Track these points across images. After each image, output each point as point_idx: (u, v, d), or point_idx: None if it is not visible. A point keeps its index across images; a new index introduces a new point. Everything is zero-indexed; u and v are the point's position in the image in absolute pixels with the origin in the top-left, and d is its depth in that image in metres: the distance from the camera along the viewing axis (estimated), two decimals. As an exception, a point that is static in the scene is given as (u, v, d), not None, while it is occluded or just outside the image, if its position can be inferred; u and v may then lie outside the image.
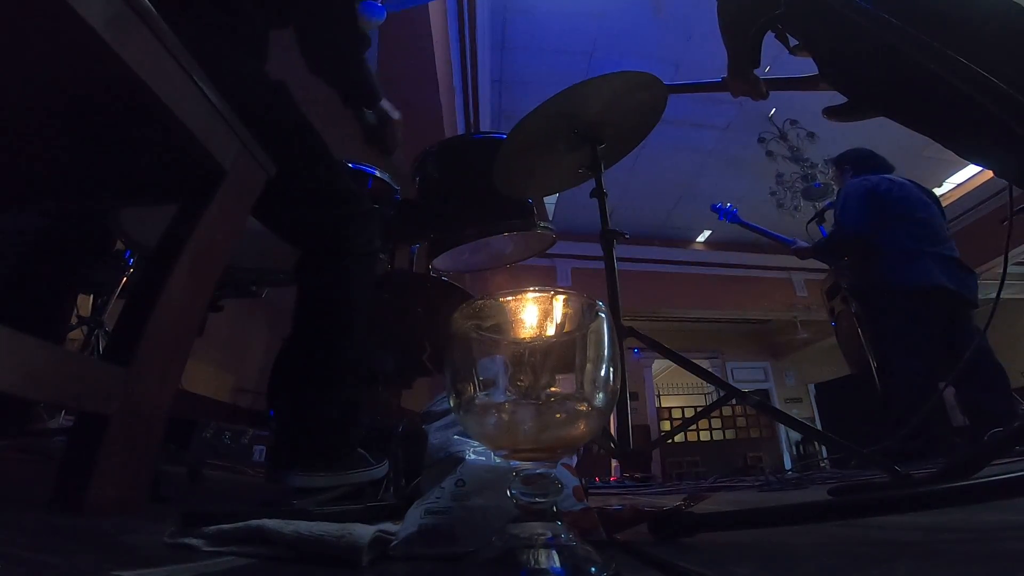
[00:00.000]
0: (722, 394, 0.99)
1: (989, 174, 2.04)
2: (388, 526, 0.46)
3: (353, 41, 0.97)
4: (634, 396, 7.30)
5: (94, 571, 0.33)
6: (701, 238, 7.51)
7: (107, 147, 0.68)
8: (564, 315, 0.35)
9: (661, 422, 7.86)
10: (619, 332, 1.01)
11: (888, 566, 0.35)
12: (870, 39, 0.71)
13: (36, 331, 0.45)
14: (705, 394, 8.76)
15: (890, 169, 2.40)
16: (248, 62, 0.89)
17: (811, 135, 5.13)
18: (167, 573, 0.34)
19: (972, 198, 5.69)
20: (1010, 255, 1.12)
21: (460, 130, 4.21)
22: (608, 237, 1.15)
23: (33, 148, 0.68)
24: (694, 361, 1.05)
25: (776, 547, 0.45)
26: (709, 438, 8.23)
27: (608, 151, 1.24)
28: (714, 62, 1.29)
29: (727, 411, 8.22)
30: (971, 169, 5.71)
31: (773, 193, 5.67)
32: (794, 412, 6.88)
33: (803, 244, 2.52)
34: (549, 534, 0.30)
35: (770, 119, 5.25)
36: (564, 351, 0.34)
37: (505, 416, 0.33)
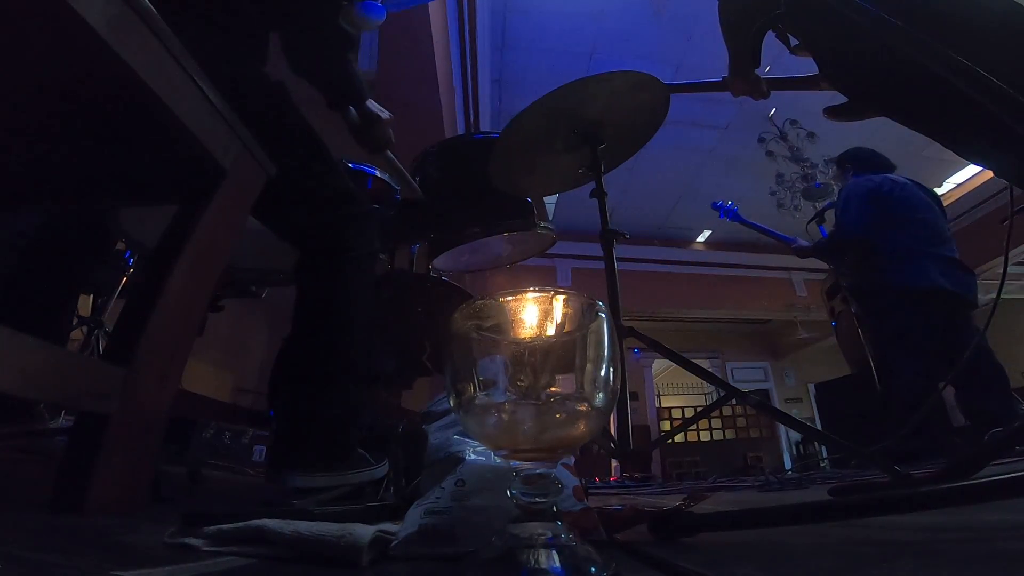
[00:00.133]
0: (722, 394, 0.99)
1: (989, 174, 2.04)
2: (388, 526, 0.46)
3: (336, 41, 0.94)
4: (634, 396, 7.30)
5: (94, 571, 0.33)
6: (701, 238, 7.51)
7: (107, 147, 0.68)
8: (564, 315, 0.35)
9: (661, 422, 7.86)
10: (619, 332, 1.01)
11: (888, 566, 0.35)
12: (870, 39, 0.71)
13: (37, 331, 0.45)
14: (705, 394, 8.75)
15: (892, 168, 2.40)
16: (248, 62, 0.89)
17: (811, 135, 5.13)
18: (167, 573, 0.34)
19: (972, 198, 5.68)
20: (1010, 255, 1.11)
21: (460, 130, 4.22)
22: (608, 237, 1.15)
23: (33, 148, 0.68)
24: (694, 361, 1.05)
25: (776, 547, 0.45)
26: (709, 438, 8.22)
27: (609, 152, 1.24)
28: (714, 62, 1.29)
29: (727, 411, 8.21)
30: (971, 169, 5.71)
31: (773, 193, 5.66)
32: (794, 412, 6.89)
33: (803, 243, 2.52)
34: (549, 534, 0.30)
35: (770, 119, 5.25)
36: (564, 351, 0.34)
37: (505, 416, 0.33)
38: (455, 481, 0.46)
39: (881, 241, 2.15)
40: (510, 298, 0.35)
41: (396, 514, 0.57)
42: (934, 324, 2.02)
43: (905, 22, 0.56)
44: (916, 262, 2.07)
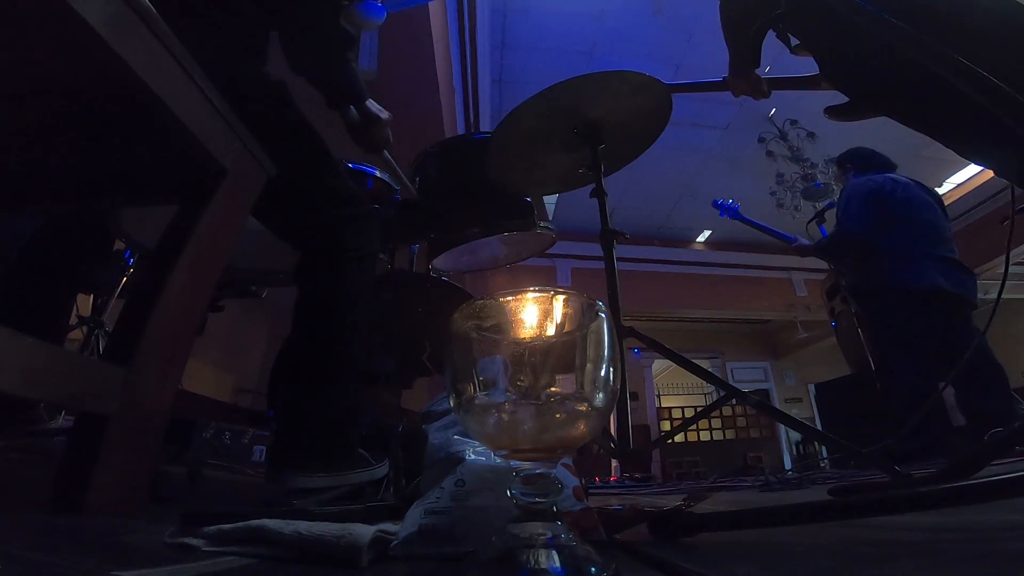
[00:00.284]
0: (722, 394, 0.99)
1: (989, 174, 2.04)
2: (388, 526, 0.46)
3: (335, 40, 0.94)
4: (634, 396, 7.30)
5: (94, 571, 0.33)
6: (701, 238, 7.51)
7: (107, 147, 0.68)
8: (564, 315, 0.35)
9: (661, 422, 7.86)
10: (619, 332, 1.01)
11: (888, 566, 0.35)
12: (870, 39, 0.71)
13: (36, 331, 0.45)
14: (705, 394, 8.75)
15: (893, 168, 2.39)
16: (248, 62, 0.89)
17: (811, 135, 5.13)
18: (167, 573, 0.34)
19: (972, 198, 5.68)
20: (1011, 255, 1.11)
21: (460, 130, 4.22)
22: (608, 237, 1.15)
23: (33, 148, 0.68)
24: (694, 361, 1.05)
25: (776, 547, 0.45)
26: (709, 438, 8.22)
27: (609, 154, 1.24)
28: (714, 62, 1.29)
29: (727, 411, 8.21)
30: (971, 169, 5.71)
31: (773, 193, 5.67)
32: (794, 412, 6.89)
33: (804, 242, 2.52)
34: (549, 534, 0.30)
35: (770, 119, 5.25)
36: (564, 351, 0.34)
37: (505, 416, 0.33)
38: (455, 481, 0.45)
39: (882, 241, 2.15)
40: (510, 298, 0.35)
41: (396, 514, 0.57)
42: (934, 324, 2.02)
43: (905, 22, 0.56)
44: (917, 263, 2.07)
